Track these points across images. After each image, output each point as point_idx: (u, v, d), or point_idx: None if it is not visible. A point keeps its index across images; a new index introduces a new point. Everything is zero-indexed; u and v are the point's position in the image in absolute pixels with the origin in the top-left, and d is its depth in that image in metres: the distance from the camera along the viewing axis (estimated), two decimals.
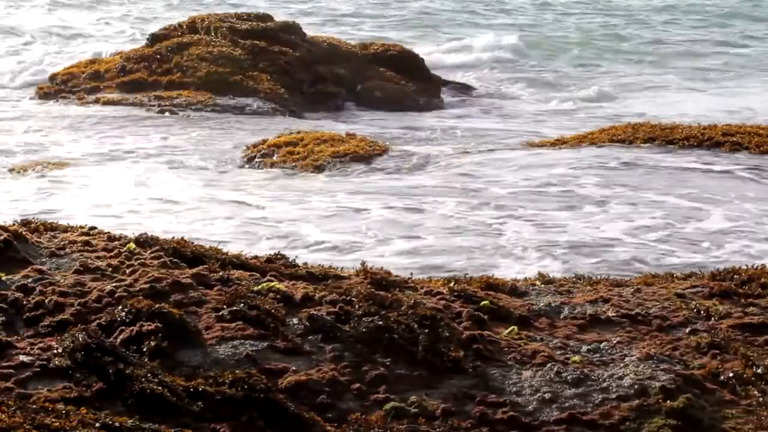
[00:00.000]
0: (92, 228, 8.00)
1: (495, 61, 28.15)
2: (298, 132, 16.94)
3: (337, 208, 12.31)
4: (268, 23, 23.99)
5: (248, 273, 7.29)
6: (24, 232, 7.49)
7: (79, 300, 6.56)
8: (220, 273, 7.15)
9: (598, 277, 8.63)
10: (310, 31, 24.75)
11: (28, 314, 6.38)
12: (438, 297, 7.23)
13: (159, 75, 21.68)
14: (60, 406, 5.25)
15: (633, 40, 32.64)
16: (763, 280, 7.98)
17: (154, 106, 19.99)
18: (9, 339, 6.02)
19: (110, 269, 7.06)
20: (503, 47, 29.43)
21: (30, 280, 6.80)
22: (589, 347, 6.69)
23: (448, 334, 6.51)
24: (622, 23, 36.14)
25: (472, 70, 27.00)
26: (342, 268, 7.90)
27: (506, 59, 28.50)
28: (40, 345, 5.98)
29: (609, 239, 11.11)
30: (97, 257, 7.27)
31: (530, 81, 26.29)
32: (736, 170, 13.85)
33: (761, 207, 12.22)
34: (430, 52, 27.11)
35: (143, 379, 5.52)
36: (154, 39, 23.28)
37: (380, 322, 6.44)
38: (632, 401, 5.97)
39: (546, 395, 6.03)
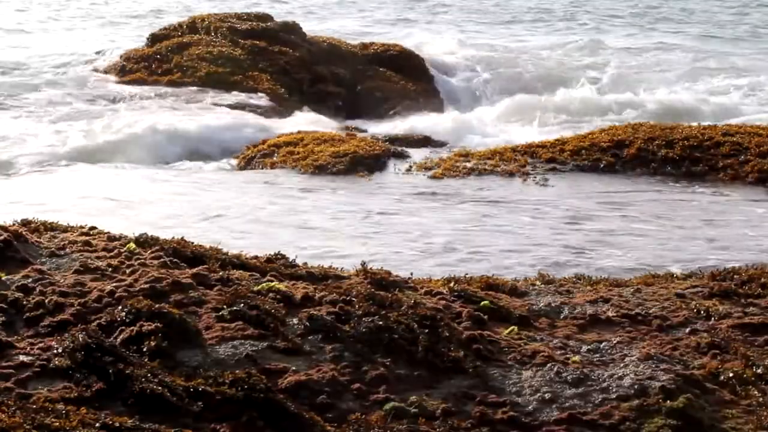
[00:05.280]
0: (92, 228, 8.01)
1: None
2: (298, 132, 16.93)
3: None
4: (268, 23, 23.98)
5: (248, 273, 7.29)
6: (24, 232, 7.50)
7: (79, 300, 6.56)
8: (220, 273, 7.15)
9: (598, 277, 8.64)
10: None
11: (28, 314, 6.38)
12: (438, 297, 7.23)
13: (159, 75, 21.65)
14: (60, 406, 5.25)
15: None
16: (763, 280, 7.99)
17: None
18: (9, 339, 6.03)
19: (110, 269, 7.07)
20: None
21: (30, 280, 6.80)
22: (589, 347, 6.70)
23: (448, 334, 6.51)
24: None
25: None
26: (342, 268, 7.90)
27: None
28: (40, 345, 5.99)
29: None
30: (97, 257, 7.27)
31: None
32: None
33: None
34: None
35: (143, 379, 5.52)
36: (154, 39, 23.27)
37: (380, 322, 6.45)
38: (632, 401, 5.97)
39: (546, 395, 6.04)
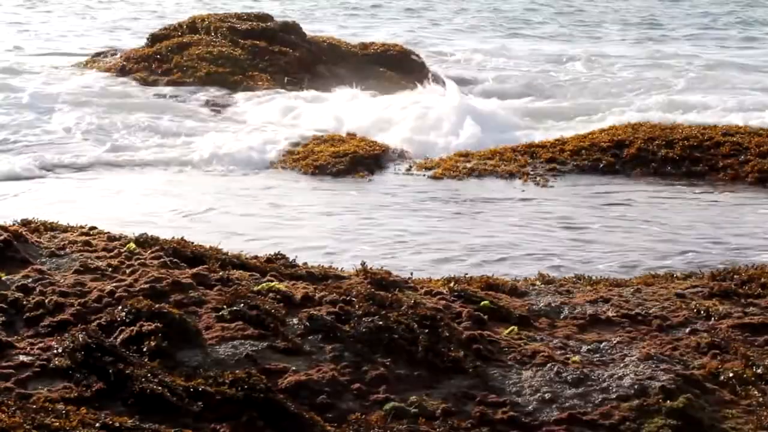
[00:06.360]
0: (92, 228, 8.01)
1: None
2: None
3: None
4: (268, 23, 23.96)
5: (248, 273, 7.30)
6: (24, 232, 7.50)
7: (79, 300, 6.56)
8: (220, 273, 7.16)
9: (598, 277, 8.64)
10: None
11: (28, 314, 6.39)
12: (438, 297, 7.24)
13: (159, 75, 21.64)
14: (60, 406, 5.25)
15: None
16: (763, 280, 8.00)
17: None
18: (9, 339, 6.03)
19: (110, 269, 7.07)
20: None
21: (30, 280, 6.80)
22: (589, 347, 6.70)
23: (448, 334, 6.51)
24: None
25: None
26: (342, 268, 7.90)
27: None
28: (40, 345, 5.99)
29: None
30: (97, 257, 7.28)
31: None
32: None
33: None
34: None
35: (143, 379, 5.52)
36: (154, 39, 23.25)
37: (380, 322, 6.45)
38: (632, 401, 5.98)
39: (546, 395, 6.04)
